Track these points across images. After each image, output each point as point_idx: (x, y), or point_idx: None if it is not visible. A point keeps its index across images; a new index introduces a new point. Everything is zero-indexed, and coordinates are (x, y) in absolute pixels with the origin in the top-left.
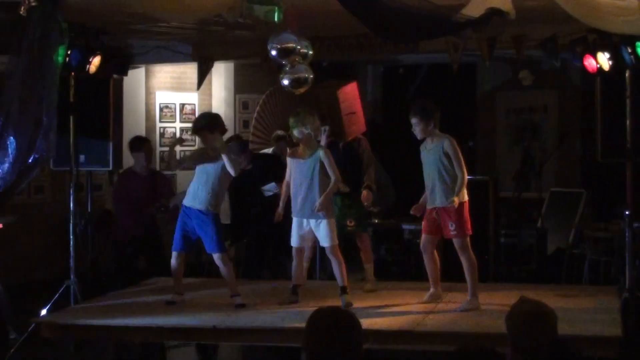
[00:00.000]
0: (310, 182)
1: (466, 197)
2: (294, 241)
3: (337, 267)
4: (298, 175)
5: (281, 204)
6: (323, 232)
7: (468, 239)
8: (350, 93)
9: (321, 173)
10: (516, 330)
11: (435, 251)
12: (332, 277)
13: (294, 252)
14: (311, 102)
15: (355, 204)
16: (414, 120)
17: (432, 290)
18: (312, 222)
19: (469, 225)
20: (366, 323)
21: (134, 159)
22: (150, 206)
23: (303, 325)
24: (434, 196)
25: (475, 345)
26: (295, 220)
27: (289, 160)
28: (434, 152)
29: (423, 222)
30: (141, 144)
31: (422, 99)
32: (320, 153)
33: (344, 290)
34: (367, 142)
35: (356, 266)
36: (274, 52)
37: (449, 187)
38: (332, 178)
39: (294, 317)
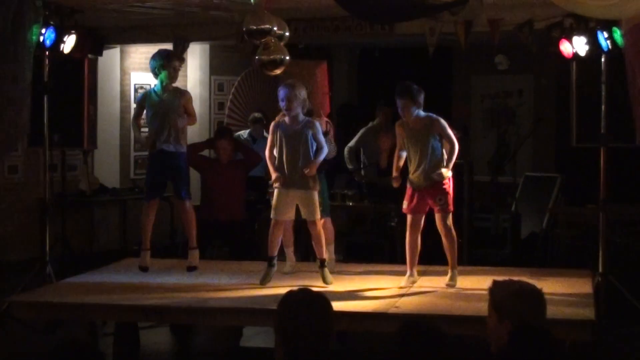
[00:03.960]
0: (299, 153)
1: (450, 174)
2: (276, 213)
3: (318, 241)
4: (286, 146)
5: (273, 171)
6: (309, 204)
7: (451, 216)
8: (324, 73)
9: (309, 144)
10: (507, 306)
11: (420, 235)
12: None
13: (273, 224)
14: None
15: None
16: (401, 102)
17: (409, 273)
18: (299, 193)
19: (452, 202)
20: (340, 305)
21: None
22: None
23: None
24: (423, 174)
25: (419, 323)
26: (279, 192)
27: (275, 131)
28: (423, 131)
29: (406, 202)
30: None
31: (406, 81)
32: (310, 123)
33: (323, 263)
34: (332, 127)
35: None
36: (249, 34)
37: (441, 164)
38: (324, 148)
39: (270, 298)
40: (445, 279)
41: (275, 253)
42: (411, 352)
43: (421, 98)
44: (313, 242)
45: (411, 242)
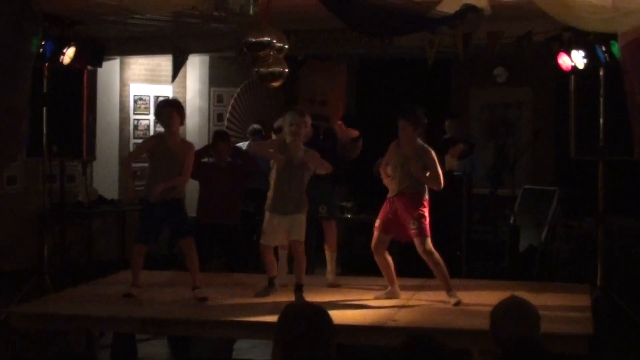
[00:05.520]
0: (293, 182)
1: (426, 197)
2: (270, 239)
3: (299, 264)
4: (283, 172)
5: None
6: (297, 225)
7: (429, 240)
8: (343, 78)
9: (304, 176)
10: (496, 324)
11: (386, 251)
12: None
13: (264, 248)
14: (307, 85)
15: (328, 190)
16: (402, 123)
17: (389, 288)
18: (289, 218)
19: (428, 227)
20: (337, 318)
21: None
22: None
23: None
24: (398, 196)
25: (424, 337)
26: (272, 217)
27: (278, 147)
28: (412, 159)
29: (377, 221)
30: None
31: (414, 105)
32: (307, 153)
33: (299, 287)
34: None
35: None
36: (248, 46)
37: (417, 194)
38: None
39: (269, 310)
40: (443, 294)
41: (275, 273)
42: None
43: (422, 125)
44: (294, 264)
45: (379, 261)
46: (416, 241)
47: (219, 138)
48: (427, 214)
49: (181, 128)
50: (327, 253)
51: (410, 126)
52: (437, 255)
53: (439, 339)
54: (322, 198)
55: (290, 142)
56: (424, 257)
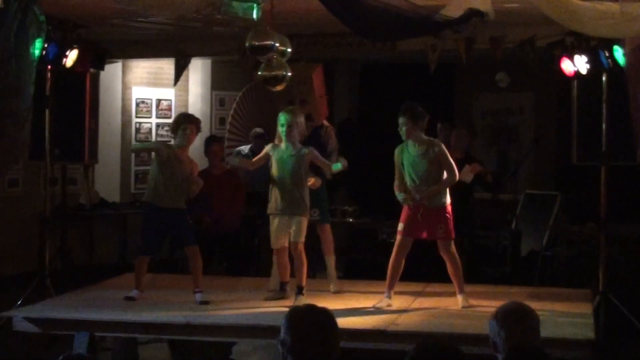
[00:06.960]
0: (292, 180)
1: (449, 200)
2: (277, 242)
3: (300, 266)
4: (280, 172)
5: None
6: (297, 226)
7: (453, 242)
8: (321, 75)
9: (306, 171)
10: (496, 330)
11: (404, 258)
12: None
13: (276, 252)
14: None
15: (319, 193)
16: (401, 120)
17: (385, 295)
18: (291, 218)
19: (452, 229)
20: (339, 322)
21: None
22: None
23: (278, 323)
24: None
25: (437, 342)
26: (273, 220)
27: (270, 152)
28: (423, 156)
29: (400, 225)
30: (207, 144)
31: (412, 101)
32: (306, 151)
33: (300, 290)
34: (333, 129)
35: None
36: (252, 50)
37: (438, 195)
38: (328, 165)
39: (271, 315)
40: (444, 299)
41: (287, 279)
42: None
43: (423, 121)
44: (295, 266)
45: (395, 263)
46: (440, 244)
47: (210, 141)
48: (451, 216)
49: None
50: (325, 258)
51: (410, 121)
52: (457, 257)
53: (454, 345)
54: (315, 201)
55: (281, 143)
56: (446, 258)
